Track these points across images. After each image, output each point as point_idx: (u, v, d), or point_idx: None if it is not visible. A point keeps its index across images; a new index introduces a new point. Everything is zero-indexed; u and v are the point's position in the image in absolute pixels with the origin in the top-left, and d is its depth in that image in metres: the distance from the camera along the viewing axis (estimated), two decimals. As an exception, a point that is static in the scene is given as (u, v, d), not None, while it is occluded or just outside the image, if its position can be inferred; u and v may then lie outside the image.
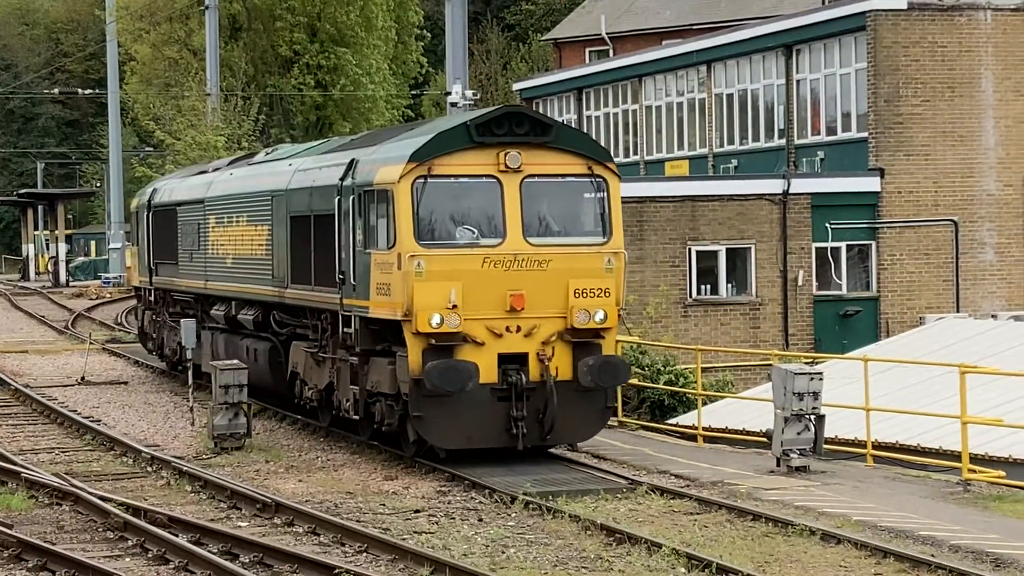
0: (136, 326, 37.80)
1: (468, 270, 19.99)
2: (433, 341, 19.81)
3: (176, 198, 32.04)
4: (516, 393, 20.10)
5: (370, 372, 21.13)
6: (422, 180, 20.02)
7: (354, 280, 21.18)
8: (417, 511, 18.49)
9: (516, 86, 55.70)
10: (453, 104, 37.31)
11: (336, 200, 21.81)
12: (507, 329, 20.12)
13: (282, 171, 25.42)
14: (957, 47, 35.83)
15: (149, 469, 21.86)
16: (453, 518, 18.04)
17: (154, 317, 34.33)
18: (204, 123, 53.43)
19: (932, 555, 15.42)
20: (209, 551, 15.89)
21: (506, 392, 20.14)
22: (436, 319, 19.71)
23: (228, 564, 15.22)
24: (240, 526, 17.67)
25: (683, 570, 15.07)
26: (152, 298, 34.40)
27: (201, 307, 30.17)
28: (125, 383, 33.01)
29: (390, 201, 20.15)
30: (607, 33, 60.95)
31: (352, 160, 21.74)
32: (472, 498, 19.23)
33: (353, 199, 21.22)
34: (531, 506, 18.24)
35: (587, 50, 62.00)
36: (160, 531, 16.67)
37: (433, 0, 77.80)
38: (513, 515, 18.05)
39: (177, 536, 16.53)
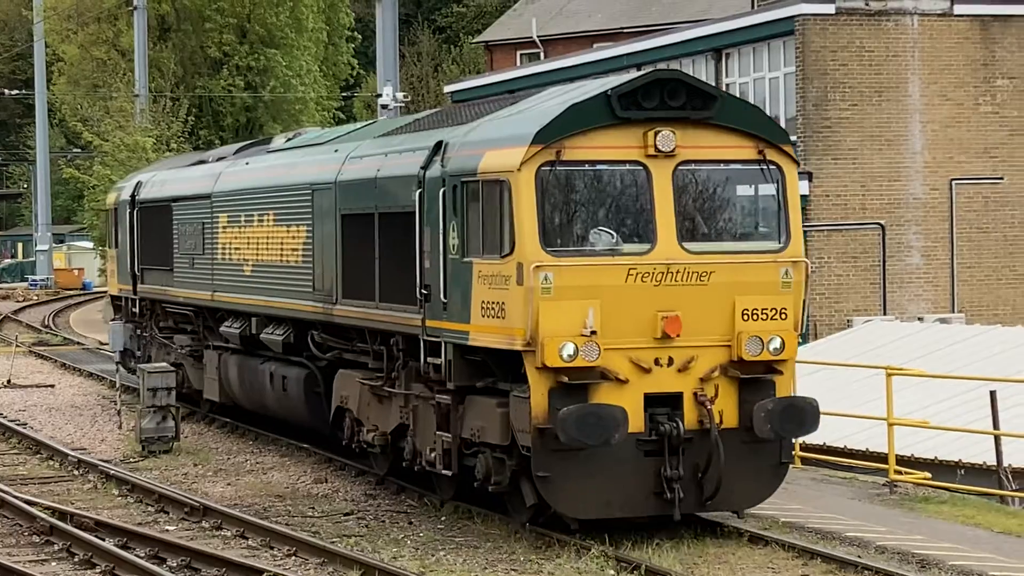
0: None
1: (609, 285, 15.70)
2: (565, 378, 15.51)
3: (170, 192, 27.47)
4: (669, 446, 15.87)
5: (468, 416, 16.80)
6: (548, 167, 15.69)
7: (445, 296, 16.77)
8: (347, 514, 18.48)
9: (447, 88, 55.67)
10: (384, 106, 37.25)
11: (416, 194, 17.36)
12: (656, 362, 15.87)
13: (326, 159, 20.85)
14: (884, 52, 36.11)
15: (76, 473, 21.71)
16: (383, 521, 18.04)
17: (139, 332, 29.79)
18: (132, 124, 53.09)
19: (859, 556, 15.54)
20: (136, 555, 15.82)
21: (656, 444, 15.91)
22: (569, 349, 15.44)
23: (155, 568, 15.15)
24: (168, 530, 17.60)
25: (612, 572, 15.13)
26: (136, 309, 29.51)
27: (203, 322, 25.96)
28: (52, 386, 32.75)
29: (504, 195, 15.82)
30: (538, 36, 61.03)
31: (439, 143, 17.26)
32: (402, 501, 19.22)
33: (444, 192, 16.77)
34: (461, 509, 18.23)
35: (518, 53, 62.06)
36: (87, 535, 16.58)
37: (364, 2, 77.64)
38: (443, 518, 18.05)
39: (104, 540, 16.44)
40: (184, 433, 24.52)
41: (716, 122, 16.17)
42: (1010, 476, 21.21)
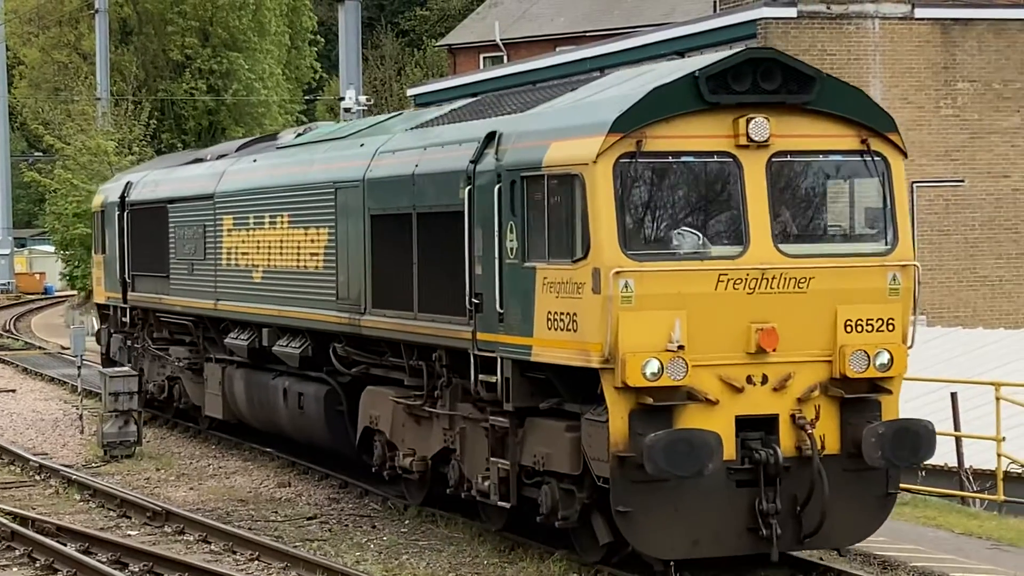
0: (100, 352, 30.22)
1: (696, 294, 13.82)
2: (649, 399, 13.66)
3: (166, 193, 25.34)
4: (765, 475, 13.98)
5: (529, 440, 14.93)
6: (628, 160, 13.79)
7: (501, 306, 14.93)
8: (310, 518, 18.46)
9: (410, 92, 55.66)
10: (347, 110, 37.24)
11: (465, 191, 15.50)
12: (749, 380, 13.98)
13: (351, 154, 18.92)
14: (846, 55, 36.27)
15: (37, 478, 21.62)
16: (346, 525, 18.02)
17: (129, 343, 27.67)
18: (94, 128, 52.95)
19: (820, 559, 15.57)
20: (98, 560, 15.77)
21: (749, 474, 14.01)
22: (653, 367, 13.57)
23: (117, 573, 15.12)
24: (130, 535, 17.54)
25: (575, 575, 15.13)
26: (127, 319, 27.40)
27: (204, 333, 23.96)
28: (13, 391, 32.58)
29: (576, 191, 13.93)
30: (501, 39, 61.08)
31: (492, 133, 15.41)
32: (365, 505, 19.20)
33: (500, 189, 14.95)
34: (424, 512, 18.22)
35: (481, 56, 62.10)
36: (48, 540, 16.51)
37: (327, 5, 77.55)
38: (407, 522, 18.03)
39: (66, 545, 16.38)
40: (146, 438, 24.43)
41: (815, 107, 14.25)
42: (971, 477, 21.32)
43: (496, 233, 14.99)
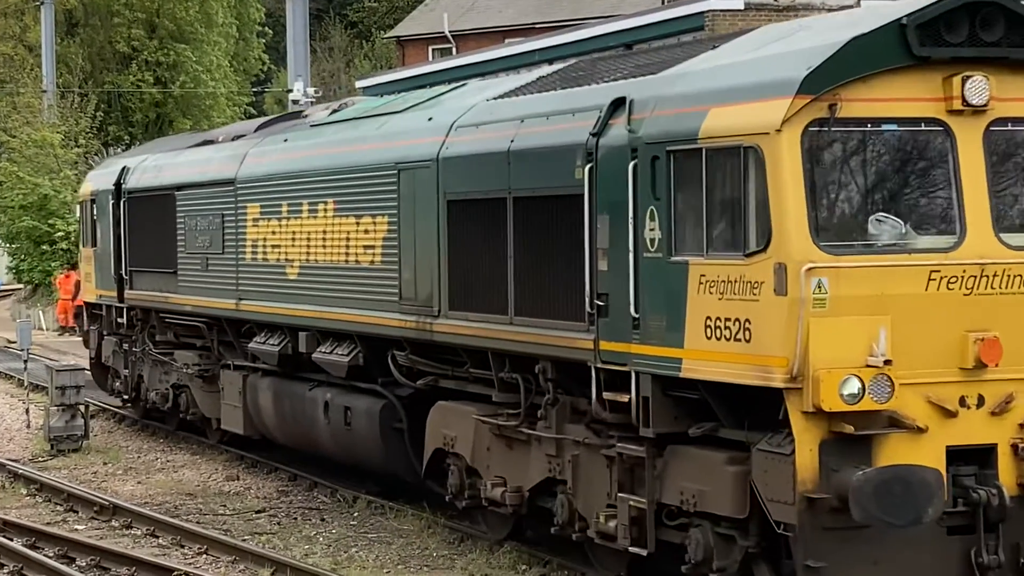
0: (89, 356, 27.71)
1: (902, 295, 11.27)
2: (848, 428, 11.06)
3: (172, 179, 22.66)
4: (985, 520, 11.43)
5: (672, 474, 12.40)
6: (819, 128, 11.21)
7: (636, 310, 12.39)
8: (259, 511, 18.43)
9: (359, 83, 55.59)
10: (295, 101, 37.14)
11: (584, 170, 12.97)
12: (962, 402, 11.42)
13: (418, 128, 16.26)
14: (793, 47, 36.45)
15: (-17, 473, 21.50)
16: (295, 518, 18.00)
17: (125, 347, 25.12)
18: (40, 120, 52.66)
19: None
20: (45, 555, 15.70)
21: (964, 518, 11.47)
22: (852, 387, 10.98)
23: (64, 568, 15.05)
24: (77, 529, 17.48)
25: (524, 566, 15.16)
26: (123, 320, 24.75)
27: (219, 336, 21.48)
28: (-41, 385, 32.40)
29: (750, 167, 11.36)
30: (450, 31, 61.07)
31: (620, 99, 12.84)
32: (314, 497, 19.18)
33: (636, 167, 12.38)
34: (373, 504, 18.21)
35: (430, 48, 62.07)
36: (-6, 536, 16.43)
37: (275, -3, 77.36)
38: (356, 514, 18.03)
39: (12, 540, 16.29)
40: (94, 431, 24.33)
41: None
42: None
43: (630, 221, 12.45)
